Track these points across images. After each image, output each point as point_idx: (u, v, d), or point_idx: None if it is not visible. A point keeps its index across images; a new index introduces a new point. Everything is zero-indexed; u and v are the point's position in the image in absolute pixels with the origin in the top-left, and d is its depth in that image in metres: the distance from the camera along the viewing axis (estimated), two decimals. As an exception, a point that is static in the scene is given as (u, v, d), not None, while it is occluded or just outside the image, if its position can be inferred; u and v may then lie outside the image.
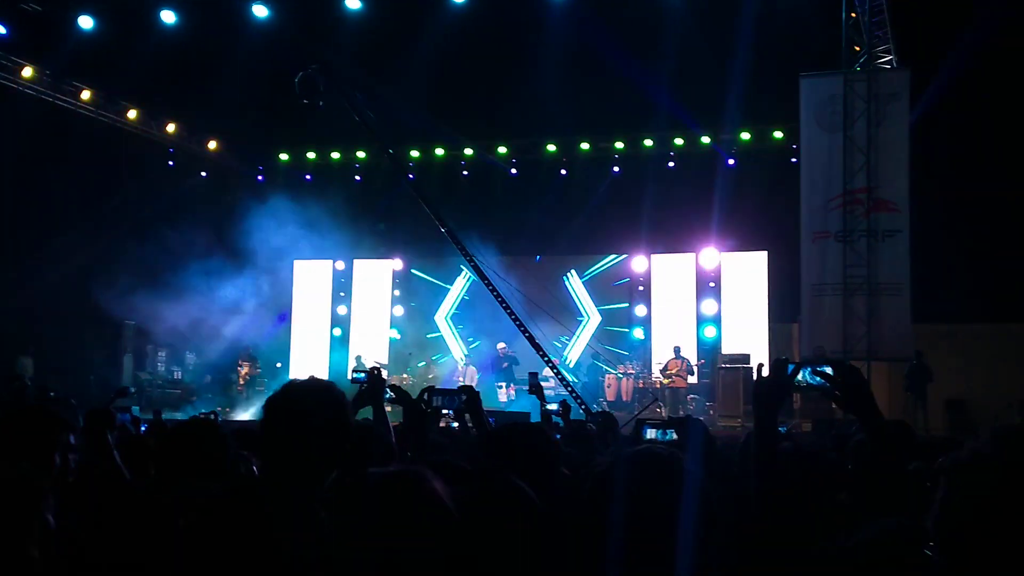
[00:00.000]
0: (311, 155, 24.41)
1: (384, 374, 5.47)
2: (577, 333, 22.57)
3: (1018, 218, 17.07)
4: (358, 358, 21.96)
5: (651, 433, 4.12)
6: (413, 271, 24.31)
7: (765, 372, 2.94)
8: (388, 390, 5.50)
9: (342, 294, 24.86)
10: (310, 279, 24.92)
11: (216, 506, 2.64)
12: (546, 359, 14.83)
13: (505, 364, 20.66)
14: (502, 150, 22.77)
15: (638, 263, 22.52)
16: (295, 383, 2.98)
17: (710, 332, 21.60)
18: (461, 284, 23.67)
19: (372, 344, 23.40)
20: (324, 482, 2.77)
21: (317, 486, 2.74)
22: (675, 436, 4.10)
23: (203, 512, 2.64)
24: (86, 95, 20.61)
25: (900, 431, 5.69)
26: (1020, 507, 1.98)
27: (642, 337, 21.91)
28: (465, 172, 23.43)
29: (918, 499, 2.65)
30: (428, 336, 23.85)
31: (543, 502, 2.57)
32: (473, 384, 20.88)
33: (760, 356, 19.29)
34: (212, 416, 8.71)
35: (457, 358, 23.12)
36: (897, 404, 17.03)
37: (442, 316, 23.99)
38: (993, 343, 18.08)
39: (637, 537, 2.21)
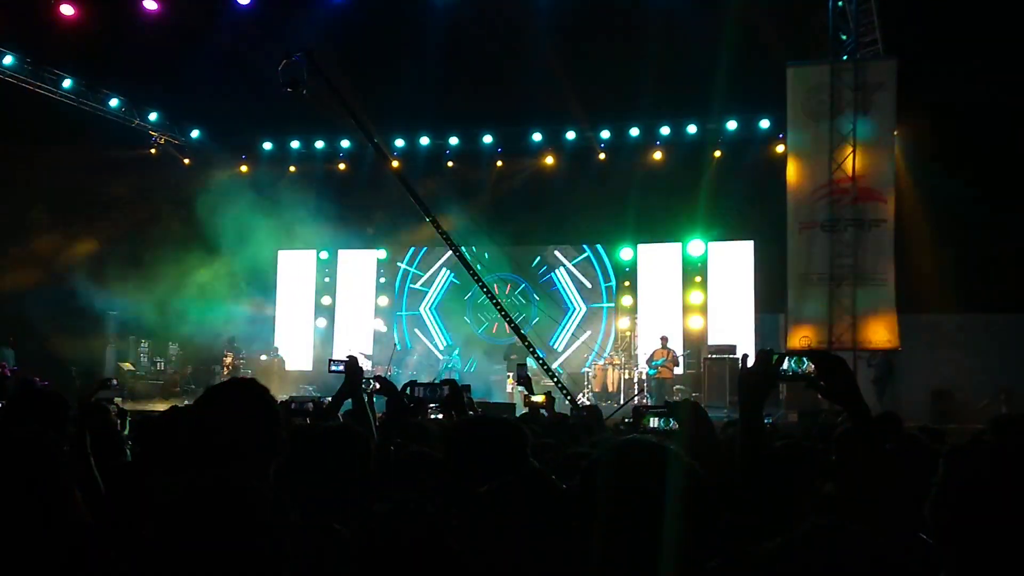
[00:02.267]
0: (295, 144, 24.26)
1: (368, 365, 5.42)
2: (564, 323, 22.54)
3: (1004, 208, 17.06)
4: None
5: (653, 422, 4.03)
6: (398, 263, 24.24)
7: (751, 363, 2.90)
8: (374, 381, 5.45)
9: (327, 280, 24.76)
10: (294, 269, 24.82)
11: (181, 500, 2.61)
12: (532, 350, 14.76)
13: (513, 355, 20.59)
14: (488, 139, 22.65)
15: (624, 252, 22.47)
16: (217, 386, 3.08)
17: (696, 322, 21.58)
18: (444, 274, 23.65)
19: (357, 335, 23.31)
20: (264, 472, 2.75)
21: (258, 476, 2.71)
22: (677, 425, 4.01)
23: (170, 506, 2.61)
24: (67, 83, 20.47)
25: (889, 422, 5.66)
26: (1018, 493, 1.97)
27: (628, 327, 21.85)
28: (450, 163, 23.28)
29: (903, 488, 2.62)
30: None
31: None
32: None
33: (746, 347, 19.25)
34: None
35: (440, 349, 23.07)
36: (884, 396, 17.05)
37: (425, 307, 23.92)
38: (979, 333, 18.09)
39: (626, 530, 2.13)
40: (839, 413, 5.51)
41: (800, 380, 2.87)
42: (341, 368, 4.87)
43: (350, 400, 4.90)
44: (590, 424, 7.66)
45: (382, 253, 24.30)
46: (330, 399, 5.11)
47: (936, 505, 2.06)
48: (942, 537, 2.03)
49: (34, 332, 19.19)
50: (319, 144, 24.05)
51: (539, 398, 8.01)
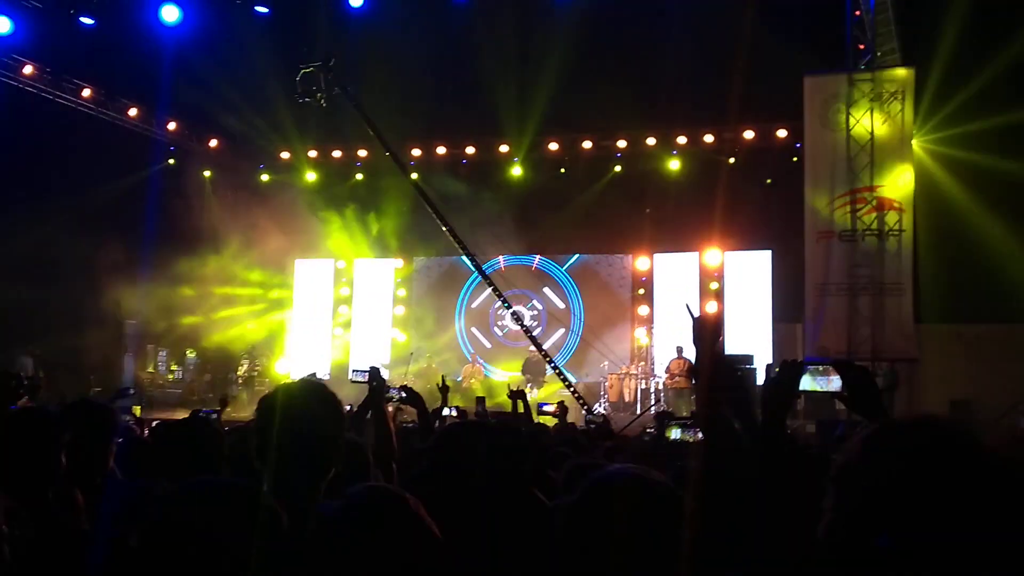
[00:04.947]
0: (312, 153, 24.28)
1: (386, 374, 5.43)
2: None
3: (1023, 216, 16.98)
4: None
5: (676, 432, 3.98)
6: (415, 270, 24.25)
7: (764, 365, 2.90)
8: (400, 391, 5.45)
9: (344, 292, 24.77)
10: (311, 278, 24.84)
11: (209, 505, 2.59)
12: (548, 360, 14.78)
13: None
14: (504, 148, 22.63)
15: (640, 262, 22.44)
16: (288, 385, 2.96)
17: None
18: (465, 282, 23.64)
19: (374, 345, 23.32)
20: (321, 485, 2.74)
21: (314, 489, 2.70)
22: (702, 435, 3.95)
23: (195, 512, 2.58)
24: (87, 93, 20.58)
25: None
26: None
27: (645, 337, 21.80)
28: (467, 172, 23.26)
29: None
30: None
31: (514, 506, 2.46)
32: (478, 379, 20.93)
33: (764, 356, 19.20)
34: (215, 414, 8.64)
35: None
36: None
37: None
38: (999, 344, 17.96)
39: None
40: (856, 424, 5.47)
41: (823, 393, 2.86)
42: (363, 378, 4.86)
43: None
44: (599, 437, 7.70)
45: (399, 263, 24.31)
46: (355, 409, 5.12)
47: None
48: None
49: (53, 341, 19.26)
50: (336, 153, 24.07)
51: (551, 407, 8.05)
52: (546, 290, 22.92)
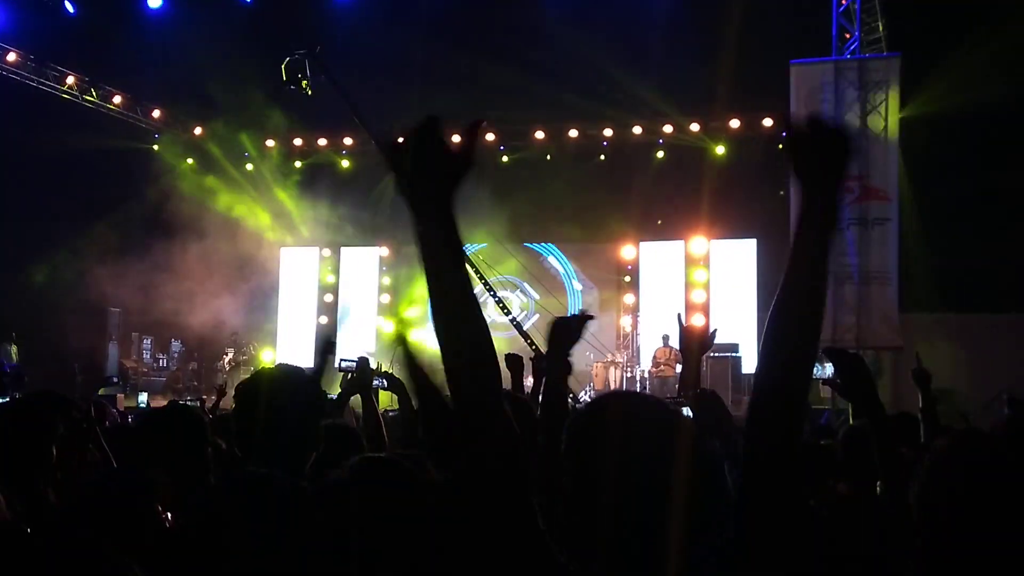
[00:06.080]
0: (298, 141, 24.16)
1: (372, 364, 5.42)
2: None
3: (1007, 206, 17.04)
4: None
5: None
6: (402, 258, 24.16)
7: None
8: (383, 379, 5.45)
9: (330, 280, 24.69)
10: (296, 266, 24.74)
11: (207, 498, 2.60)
12: (532, 344, 14.74)
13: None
14: (490, 136, 22.56)
15: (626, 251, 22.43)
16: (264, 371, 3.01)
17: (698, 321, 21.51)
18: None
19: (359, 333, 23.27)
20: (302, 469, 2.76)
21: (295, 473, 2.68)
22: (689, 413, 3.91)
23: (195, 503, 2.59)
24: (71, 80, 20.46)
25: (906, 422, 5.65)
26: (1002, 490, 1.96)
27: (630, 326, 21.82)
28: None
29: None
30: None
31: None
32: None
33: (749, 345, 19.22)
34: (199, 403, 8.61)
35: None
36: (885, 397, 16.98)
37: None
38: (983, 333, 18.04)
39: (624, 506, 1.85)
40: (842, 412, 5.50)
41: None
42: (352, 365, 4.86)
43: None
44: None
45: (385, 250, 24.22)
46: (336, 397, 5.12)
47: (921, 494, 2.03)
48: (925, 525, 2.01)
49: (36, 328, 19.19)
50: (322, 141, 23.98)
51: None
52: (531, 278, 22.87)
